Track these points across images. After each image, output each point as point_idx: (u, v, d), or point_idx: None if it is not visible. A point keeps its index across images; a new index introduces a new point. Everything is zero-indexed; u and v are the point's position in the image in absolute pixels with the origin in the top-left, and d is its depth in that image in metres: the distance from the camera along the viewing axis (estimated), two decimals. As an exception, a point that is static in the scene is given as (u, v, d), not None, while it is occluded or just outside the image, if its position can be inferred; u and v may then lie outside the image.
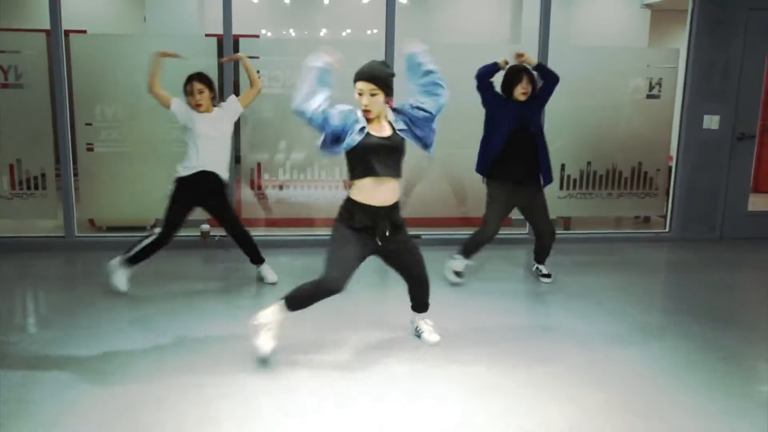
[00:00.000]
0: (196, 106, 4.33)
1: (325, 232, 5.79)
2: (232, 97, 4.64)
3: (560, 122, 6.00)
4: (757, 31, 6.03)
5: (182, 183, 4.36)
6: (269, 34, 9.52)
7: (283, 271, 4.79)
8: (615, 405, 2.95)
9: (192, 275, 4.90)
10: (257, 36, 7.78)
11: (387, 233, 3.28)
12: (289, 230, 5.95)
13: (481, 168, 4.68)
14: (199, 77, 4.35)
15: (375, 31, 10.60)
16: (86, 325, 3.82)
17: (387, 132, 3.24)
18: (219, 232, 5.72)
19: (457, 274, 4.72)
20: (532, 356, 3.48)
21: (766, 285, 5.04)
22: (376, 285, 4.76)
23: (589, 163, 6.15)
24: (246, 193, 5.86)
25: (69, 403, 2.87)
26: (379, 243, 3.30)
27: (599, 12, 8.13)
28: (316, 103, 3.11)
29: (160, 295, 4.39)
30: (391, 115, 3.29)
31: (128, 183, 5.61)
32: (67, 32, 5.39)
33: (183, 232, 5.40)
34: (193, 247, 5.53)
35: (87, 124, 5.51)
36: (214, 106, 4.44)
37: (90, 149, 5.54)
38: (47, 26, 5.28)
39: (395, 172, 3.27)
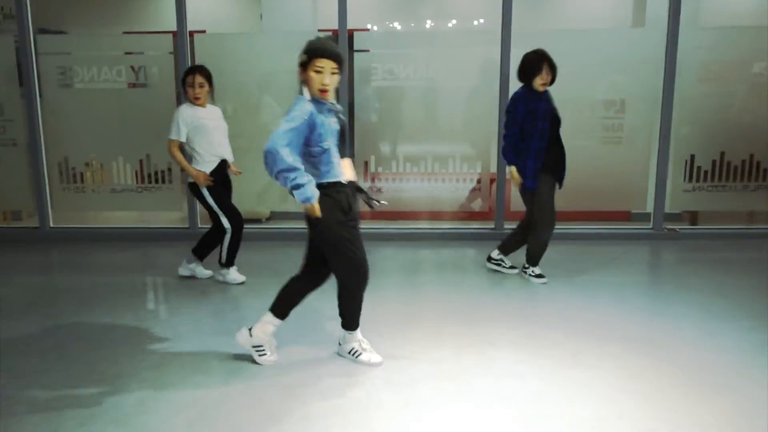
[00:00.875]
0: (195, 99, 4.29)
1: (435, 225, 5.84)
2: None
3: (690, 110, 5.62)
4: None
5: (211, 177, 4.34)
6: (375, 27, 9.55)
7: (391, 264, 4.76)
8: (742, 410, 2.72)
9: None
10: (367, 29, 7.83)
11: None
12: (405, 224, 5.94)
13: (534, 174, 4.37)
14: (201, 70, 4.30)
15: (481, 21, 10.40)
16: (212, 313, 3.98)
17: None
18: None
19: (540, 276, 4.56)
20: (656, 359, 3.26)
21: None
22: (475, 277, 4.64)
23: (722, 153, 5.71)
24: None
25: (202, 388, 2.97)
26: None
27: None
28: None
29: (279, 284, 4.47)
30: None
31: (246, 177, 5.76)
32: (190, 33, 5.63)
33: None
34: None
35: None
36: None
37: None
38: (156, 27, 5.50)
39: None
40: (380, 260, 4.77)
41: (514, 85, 5.38)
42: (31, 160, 5.75)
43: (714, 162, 5.72)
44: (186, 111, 4.30)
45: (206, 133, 4.31)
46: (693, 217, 6.21)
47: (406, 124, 5.78)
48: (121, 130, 5.78)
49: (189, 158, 4.37)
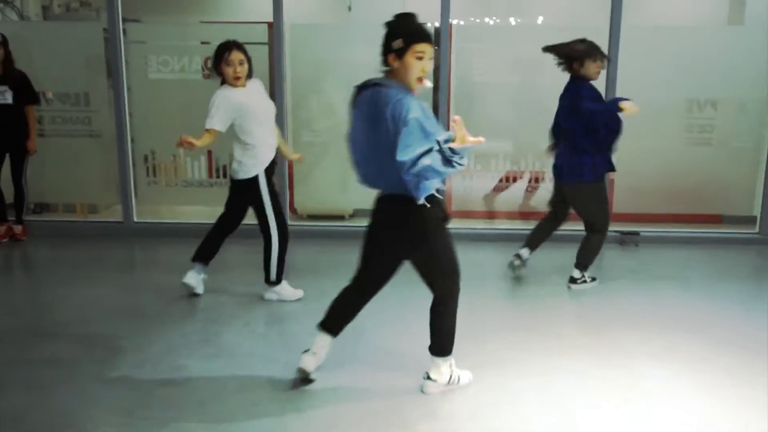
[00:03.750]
0: (235, 79, 3.71)
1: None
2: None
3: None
4: None
5: (265, 175, 3.83)
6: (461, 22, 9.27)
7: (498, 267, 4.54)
8: None
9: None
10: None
11: None
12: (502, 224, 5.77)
13: (597, 171, 4.09)
14: (239, 46, 3.74)
15: (542, 18, 10.06)
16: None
17: None
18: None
19: (593, 278, 4.29)
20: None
21: None
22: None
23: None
24: (457, 185, 5.71)
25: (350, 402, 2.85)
26: None
27: None
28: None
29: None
30: None
31: (330, 173, 5.60)
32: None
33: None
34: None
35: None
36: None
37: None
38: (230, 18, 5.23)
39: None
40: (489, 264, 4.63)
41: (622, 81, 5.16)
42: (118, 152, 5.59)
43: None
44: (226, 105, 3.70)
45: (251, 120, 3.73)
46: None
47: (503, 122, 5.56)
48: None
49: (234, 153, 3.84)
